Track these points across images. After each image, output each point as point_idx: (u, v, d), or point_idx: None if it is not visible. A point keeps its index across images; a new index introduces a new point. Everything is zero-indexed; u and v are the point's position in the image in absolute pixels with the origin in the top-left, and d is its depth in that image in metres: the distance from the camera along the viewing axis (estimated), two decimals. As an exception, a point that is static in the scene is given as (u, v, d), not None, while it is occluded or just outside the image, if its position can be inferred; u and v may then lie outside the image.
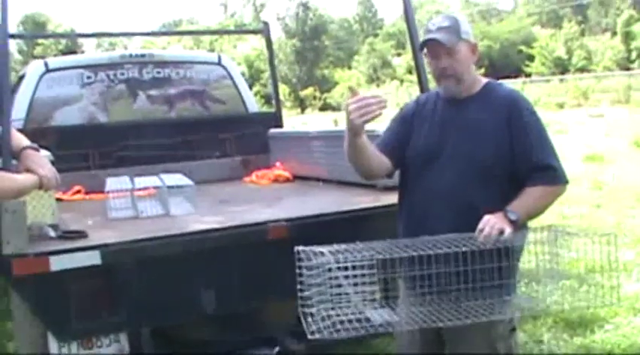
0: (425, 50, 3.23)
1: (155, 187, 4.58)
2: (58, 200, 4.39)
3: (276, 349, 3.87)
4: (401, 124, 3.38)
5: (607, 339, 5.06)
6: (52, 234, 3.58)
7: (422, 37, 3.29)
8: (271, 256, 3.70)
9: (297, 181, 5.71)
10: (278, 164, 6.04)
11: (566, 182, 3.16)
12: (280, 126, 6.78)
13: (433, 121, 3.25)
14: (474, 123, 3.15)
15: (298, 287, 2.69)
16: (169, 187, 4.41)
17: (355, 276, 2.71)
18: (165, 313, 3.59)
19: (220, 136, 6.45)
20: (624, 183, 11.62)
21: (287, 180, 5.80)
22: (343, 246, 2.79)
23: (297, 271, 2.70)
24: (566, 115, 28.78)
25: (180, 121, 6.52)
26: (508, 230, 2.88)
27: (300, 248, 2.74)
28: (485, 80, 3.31)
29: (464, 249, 2.78)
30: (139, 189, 4.52)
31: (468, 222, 2.94)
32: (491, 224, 2.88)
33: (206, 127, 6.44)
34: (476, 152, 3.09)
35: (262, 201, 4.77)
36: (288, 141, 6.21)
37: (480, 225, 2.89)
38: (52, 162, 3.61)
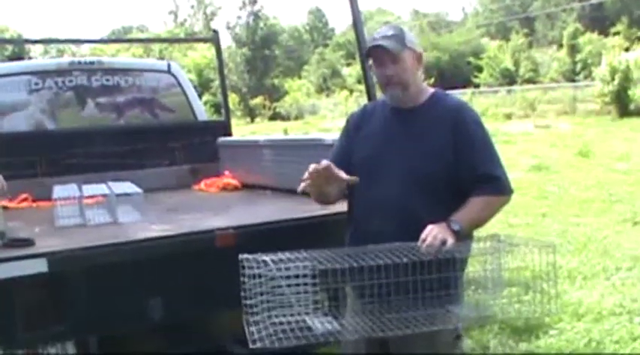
0: (370, 60, 3.26)
1: (103, 195, 4.56)
2: (5, 208, 4.35)
3: (226, 357, 3.87)
4: (346, 141, 3.39)
5: (551, 344, 5.16)
6: (-2, 241, 3.55)
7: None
8: (219, 264, 3.70)
9: (246, 189, 5.72)
10: (227, 172, 6.04)
11: (511, 192, 3.18)
12: (229, 134, 6.78)
13: (379, 132, 3.26)
14: (419, 134, 3.17)
15: (242, 294, 2.70)
16: (117, 195, 4.39)
17: (297, 285, 2.73)
18: (113, 321, 3.57)
19: (169, 144, 6.43)
20: (569, 193, 11.85)
21: (235, 188, 5.80)
22: (287, 255, 2.79)
23: (242, 279, 2.71)
24: (513, 126, 29.18)
25: (129, 129, 6.49)
26: (450, 240, 2.89)
27: (244, 256, 2.75)
28: (432, 90, 3.31)
29: (405, 260, 2.78)
30: (87, 197, 4.49)
31: (411, 233, 2.93)
32: (433, 234, 2.89)
33: (155, 135, 6.43)
34: (419, 163, 3.10)
35: (210, 209, 4.77)
36: (236, 150, 6.22)
37: (423, 235, 2.89)
38: (-1, 170, 3.59)
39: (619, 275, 6.82)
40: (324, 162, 2.98)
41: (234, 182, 5.86)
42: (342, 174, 3.02)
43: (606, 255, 7.58)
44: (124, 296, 3.55)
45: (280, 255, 2.79)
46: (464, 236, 3.01)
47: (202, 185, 5.99)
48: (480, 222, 3.14)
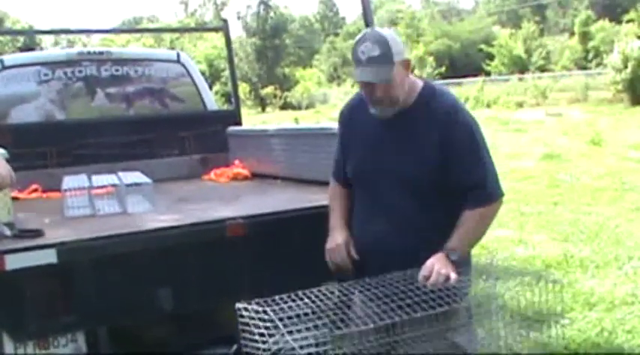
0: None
1: (113, 185, 4.55)
2: (15, 199, 4.35)
3: (234, 347, 3.86)
4: (343, 140, 3.44)
5: (563, 334, 5.13)
6: (8, 232, 3.54)
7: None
8: (229, 254, 3.71)
9: (256, 179, 5.70)
10: (237, 162, 6.02)
11: (501, 196, 3.18)
12: (239, 124, 6.75)
13: (368, 135, 3.25)
14: (407, 138, 3.14)
15: (242, 343, 2.60)
16: (127, 185, 4.38)
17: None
18: (123, 312, 3.56)
19: (179, 134, 6.41)
20: (581, 181, 11.79)
21: (246, 177, 5.78)
22: (287, 304, 2.66)
23: (240, 327, 2.60)
24: (525, 114, 29.08)
25: (139, 119, 6.48)
26: (453, 275, 2.91)
27: (241, 305, 2.63)
28: (420, 86, 3.21)
29: (418, 314, 2.68)
30: (97, 188, 4.49)
31: (405, 235, 3.07)
32: (436, 270, 2.91)
33: (165, 125, 6.41)
34: (407, 168, 3.11)
35: (221, 198, 4.77)
36: (246, 139, 6.19)
37: (425, 272, 2.92)
38: (8, 160, 3.58)
39: (631, 264, 6.78)
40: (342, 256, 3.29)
41: (244, 172, 5.83)
42: (353, 254, 3.28)
43: (618, 244, 7.54)
44: (133, 287, 3.54)
45: (281, 303, 2.65)
46: (462, 260, 3.06)
47: (212, 175, 5.98)
48: (476, 240, 3.21)
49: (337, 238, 3.33)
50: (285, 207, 4.03)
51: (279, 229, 3.81)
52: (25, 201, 5.11)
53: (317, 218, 3.71)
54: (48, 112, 6.30)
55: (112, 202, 4.43)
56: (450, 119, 3.10)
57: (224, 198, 4.75)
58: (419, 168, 3.08)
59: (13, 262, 3.24)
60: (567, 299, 5.80)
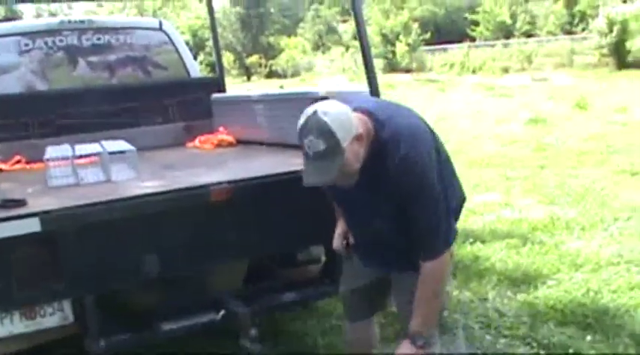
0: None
1: (96, 154, 4.52)
2: (-2, 170, 4.32)
3: (222, 312, 3.86)
4: None
5: (550, 295, 5.16)
6: (-10, 202, 3.51)
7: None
8: (214, 219, 3.70)
9: (241, 145, 5.67)
10: (221, 128, 5.98)
11: (450, 245, 3.08)
12: (223, 90, 6.71)
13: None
14: (370, 185, 3.01)
15: None
16: (110, 153, 4.35)
17: None
18: (109, 279, 3.55)
19: (163, 102, 6.35)
20: (567, 145, 11.84)
21: (230, 144, 5.74)
22: None
23: None
24: (510, 79, 29.10)
25: (122, 88, 6.41)
26: None
27: None
28: (372, 134, 2.96)
29: None
30: (80, 157, 4.45)
31: (388, 250, 3.21)
32: None
33: (148, 93, 6.35)
34: (378, 203, 3.07)
35: (205, 165, 4.74)
36: (230, 106, 6.15)
37: None
38: (-11, 131, 3.55)
39: (617, 225, 6.82)
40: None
41: (229, 138, 5.79)
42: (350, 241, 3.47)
43: (604, 206, 7.58)
44: (119, 254, 3.53)
45: None
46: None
47: (197, 142, 5.93)
48: (438, 303, 3.14)
49: (338, 228, 3.53)
50: (269, 172, 4.01)
51: (264, 193, 3.79)
52: (8, 172, 5.07)
53: (302, 181, 3.70)
54: (29, 83, 6.22)
55: (96, 171, 4.39)
56: (401, 178, 2.92)
57: (209, 164, 4.72)
58: (389, 205, 3.02)
59: None
60: (554, 260, 5.85)
